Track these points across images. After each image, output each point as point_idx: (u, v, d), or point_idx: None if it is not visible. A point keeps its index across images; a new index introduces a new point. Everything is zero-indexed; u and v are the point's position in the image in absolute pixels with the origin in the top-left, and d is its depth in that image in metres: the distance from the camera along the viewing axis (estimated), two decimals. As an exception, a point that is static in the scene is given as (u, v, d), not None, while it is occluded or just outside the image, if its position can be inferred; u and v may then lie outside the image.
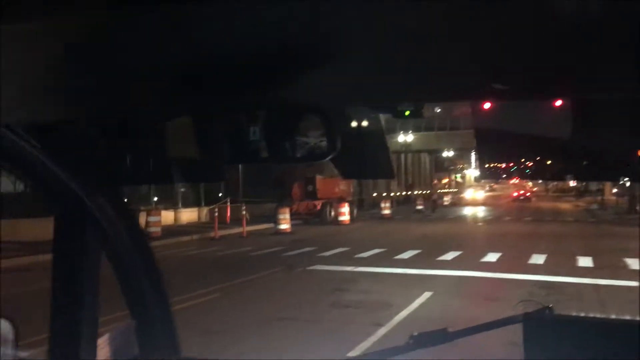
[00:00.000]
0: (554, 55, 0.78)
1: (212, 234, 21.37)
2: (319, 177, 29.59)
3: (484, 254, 15.04)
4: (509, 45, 0.76)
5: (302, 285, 11.01)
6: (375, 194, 44.18)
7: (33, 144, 1.20)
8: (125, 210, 1.47)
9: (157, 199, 26.64)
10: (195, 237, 21.33)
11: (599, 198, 43.57)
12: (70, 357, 1.36)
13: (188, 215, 27.62)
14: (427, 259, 14.52)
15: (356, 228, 25.64)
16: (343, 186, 31.05)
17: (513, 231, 22.28)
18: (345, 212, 27.93)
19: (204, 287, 9.98)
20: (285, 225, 22.86)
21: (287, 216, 23.18)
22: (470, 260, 14.15)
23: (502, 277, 11.52)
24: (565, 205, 46.30)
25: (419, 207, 39.20)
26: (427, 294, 9.68)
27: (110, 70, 0.86)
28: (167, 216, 25.07)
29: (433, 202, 41.35)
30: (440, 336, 1.46)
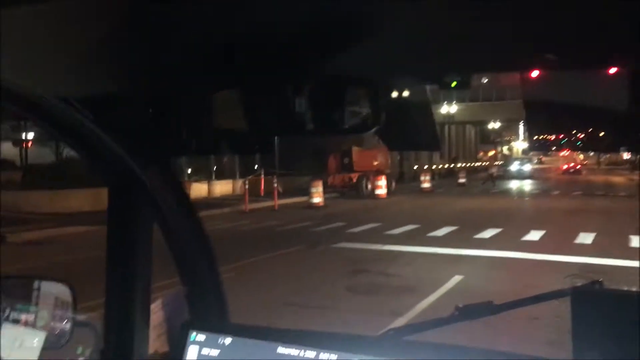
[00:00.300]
0: (606, 22, 0.75)
1: (242, 207, 20.79)
2: (355, 149, 28.61)
3: (526, 232, 13.91)
4: (559, 13, 0.74)
5: (321, 265, 10.22)
6: (416, 167, 42.84)
7: (89, 117, 1.23)
8: (175, 181, 1.49)
9: (191, 171, 26.26)
10: (225, 210, 20.82)
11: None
12: (124, 321, 1.42)
13: (222, 187, 27.17)
14: (462, 236, 13.50)
15: (393, 202, 24.66)
16: (381, 158, 29.97)
17: (560, 206, 20.90)
18: (382, 186, 26.93)
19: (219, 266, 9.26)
20: (317, 199, 22.06)
21: (320, 189, 22.36)
22: (510, 238, 13.07)
23: (544, 258, 10.43)
24: (617, 179, 43.95)
25: (462, 181, 37.80)
26: (457, 278, 8.75)
27: (161, 45, 0.89)
28: (199, 189, 24.67)
29: (490, 176, 39.08)
30: (485, 308, 1.44)
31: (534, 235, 13.52)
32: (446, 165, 53.12)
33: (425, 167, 44.98)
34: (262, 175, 26.08)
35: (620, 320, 1.33)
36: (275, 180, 23.10)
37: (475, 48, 0.89)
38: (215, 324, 1.45)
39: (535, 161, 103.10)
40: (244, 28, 0.82)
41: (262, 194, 24.78)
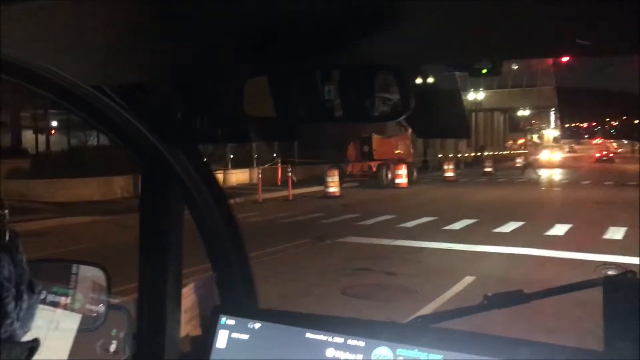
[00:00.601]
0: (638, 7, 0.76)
1: (256, 197, 20.15)
2: (375, 137, 27.70)
3: (550, 226, 12.94)
4: None
5: (322, 262, 9.44)
6: (440, 155, 41.71)
7: (122, 105, 1.26)
8: (205, 167, 1.50)
9: (206, 160, 25.61)
10: (239, 200, 20.13)
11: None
12: (157, 305, 1.45)
13: (238, 176, 26.42)
14: (481, 230, 12.60)
15: (413, 192, 23.74)
16: (402, 146, 29.02)
17: (589, 197, 19.74)
18: (402, 175, 25.99)
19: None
20: (333, 189, 21.26)
21: (336, 179, 21.54)
22: (532, 233, 12.13)
23: (568, 256, 9.49)
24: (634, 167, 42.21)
25: (488, 170, 36.55)
26: (467, 279, 7.90)
27: (190, 32, 0.90)
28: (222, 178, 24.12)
29: (528, 164, 36.46)
30: (515, 297, 1.39)
31: (559, 230, 12.54)
32: (472, 154, 51.82)
33: (450, 155, 43.89)
34: (279, 164, 25.39)
35: None
36: (289, 169, 22.35)
37: (507, 34, 0.89)
38: (245, 309, 1.47)
39: (567, 149, 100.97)
40: (274, 14, 0.82)
41: (279, 183, 24.11)
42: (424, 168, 38.79)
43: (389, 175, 26.35)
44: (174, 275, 1.47)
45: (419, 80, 1.13)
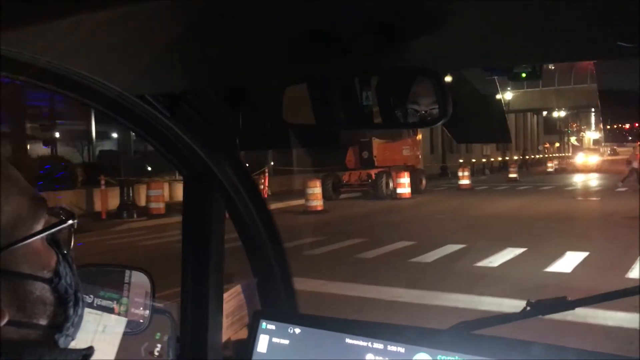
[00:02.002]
0: None
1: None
2: (376, 141, 24.59)
3: (559, 255, 9.69)
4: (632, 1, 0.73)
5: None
6: (461, 161, 38.21)
7: (164, 113, 1.28)
8: (246, 174, 1.51)
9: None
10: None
11: None
12: (199, 309, 1.47)
13: None
14: (460, 263, 9.43)
15: (413, 204, 20.52)
16: (409, 151, 25.76)
17: (620, 209, 16.23)
18: (404, 184, 22.74)
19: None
20: (315, 202, 18.24)
21: (317, 190, 18.53)
22: (530, 267, 8.92)
23: (569, 319, 6.26)
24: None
25: (512, 175, 32.98)
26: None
27: (230, 41, 0.92)
28: (179, 189, 21.31)
29: (632, 171, 25.86)
30: (559, 304, 1.38)
31: (568, 262, 9.27)
32: (500, 158, 48.06)
33: (474, 160, 40.37)
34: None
35: None
36: (263, 180, 19.39)
37: (548, 37, 0.88)
38: (285, 314, 1.49)
39: (609, 152, 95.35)
40: (311, 23, 0.82)
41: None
42: (444, 175, 35.41)
43: (390, 185, 23.16)
44: (216, 280, 1.47)
45: (468, 87, 0.81)
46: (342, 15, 0.80)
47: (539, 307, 1.37)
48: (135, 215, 16.94)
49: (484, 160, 42.67)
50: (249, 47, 0.96)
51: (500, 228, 13.30)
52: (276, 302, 1.56)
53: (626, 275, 8.18)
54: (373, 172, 23.68)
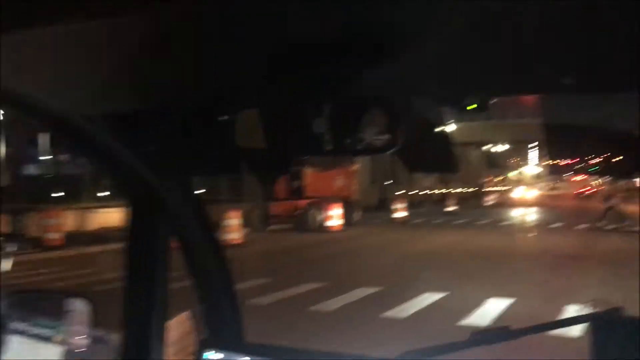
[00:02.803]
0: (624, 47, 0.77)
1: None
2: (307, 170, 23.32)
3: (480, 301, 8.50)
4: (576, 37, 0.75)
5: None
6: (399, 193, 37.39)
7: (111, 134, 1.26)
8: (194, 199, 1.49)
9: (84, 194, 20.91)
10: (114, 246, 15.71)
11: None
12: (141, 338, 1.43)
13: (116, 216, 21.04)
14: (366, 312, 8.11)
15: (342, 238, 19.27)
16: (342, 182, 24.65)
17: (553, 248, 15.40)
18: (335, 216, 21.53)
19: None
20: (232, 235, 16.65)
21: (236, 222, 17.02)
22: (444, 317, 7.66)
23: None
24: (634, 208, 38.01)
25: (451, 209, 32.29)
26: None
27: (183, 64, 0.92)
28: (88, 218, 19.38)
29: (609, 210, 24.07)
30: (502, 334, 1.43)
31: (489, 312, 8.07)
32: (442, 191, 47.72)
33: (414, 192, 39.72)
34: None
35: (639, 347, 1.34)
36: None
37: (495, 71, 0.91)
38: (232, 343, 1.48)
39: (548, 186, 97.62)
40: (267, 47, 0.83)
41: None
42: (382, 206, 34.40)
43: (321, 217, 21.86)
44: (160, 307, 1.45)
45: (413, 116, 1.14)
46: (296, 42, 0.80)
47: (483, 336, 1.42)
48: (26, 247, 15.02)
49: (424, 192, 42.07)
50: (202, 70, 0.95)
51: (425, 267, 12.10)
52: (223, 330, 1.52)
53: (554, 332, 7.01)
54: (303, 203, 22.36)
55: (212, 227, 1.52)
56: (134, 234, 1.44)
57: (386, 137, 1.04)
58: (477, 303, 8.46)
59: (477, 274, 11.24)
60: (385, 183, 39.77)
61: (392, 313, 8.03)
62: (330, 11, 0.71)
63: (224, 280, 1.53)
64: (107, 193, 22.24)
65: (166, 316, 1.46)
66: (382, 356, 1.26)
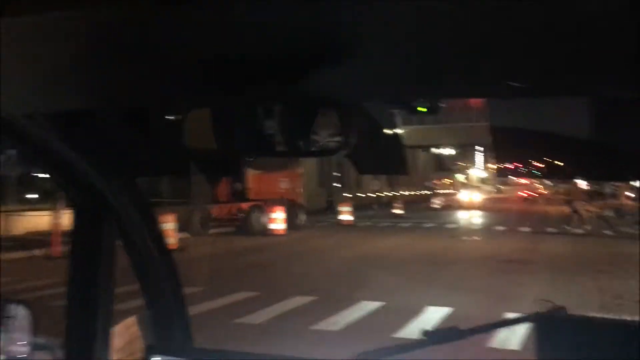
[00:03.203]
0: (572, 52, 0.78)
1: (52, 250, 14.52)
2: (251, 172, 22.59)
3: (418, 310, 8.09)
4: (524, 42, 0.76)
5: None
6: (350, 195, 37.05)
7: (55, 134, 1.21)
8: (142, 201, 1.45)
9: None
10: (37, 252, 14.76)
11: (615, 202, 35.89)
12: (85, 345, 1.39)
13: (38, 221, 18.01)
14: (297, 323, 7.57)
15: (284, 242, 18.71)
16: (287, 184, 24.08)
17: (497, 251, 15.25)
18: (278, 219, 20.93)
19: None
20: (167, 240, 15.80)
21: (170, 226, 16.17)
22: (378, 329, 7.22)
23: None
24: (593, 210, 38.85)
25: (397, 212, 32.14)
26: None
27: (131, 61, 0.89)
28: (13, 223, 18.12)
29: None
30: (453, 333, 1.47)
31: (425, 323, 7.65)
32: (391, 193, 47.76)
33: (362, 195, 39.51)
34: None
35: (583, 346, 1.38)
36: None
37: (445, 74, 0.91)
38: (179, 348, 1.45)
39: (494, 190, 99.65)
40: (216, 48, 0.82)
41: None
42: (329, 209, 33.94)
43: (263, 220, 21.22)
44: (104, 312, 1.40)
45: (369, 119, 1.15)
46: (249, 43, 0.79)
47: (434, 336, 1.45)
48: None
49: (373, 195, 41.92)
50: (151, 68, 0.91)
51: (365, 273, 11.66)
52: (171, 335, 1.48)
53: (487, 345, 6.63)
54: (245, 205, 21.66)
55: (159, 230, 1.47)
56: (78, 237, 1.41)
57: (337, 138, 1.03)
58: (415, 312, 8.05)
59: (418, 280, 10.87)
60: (334, 186, 39.48)
61: (324, 325, 7.51)
62: (280, 12, 0.70)
63: (172, 284, 1.49)
64: (36, 196, 20.96)
65: (111, 321, 1.41)
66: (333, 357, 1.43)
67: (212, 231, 21.02)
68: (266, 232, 20.62)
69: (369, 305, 8.54)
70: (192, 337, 1.53)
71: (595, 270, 11.94)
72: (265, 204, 21.52)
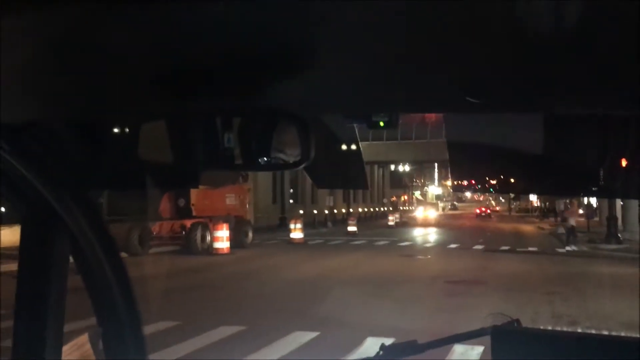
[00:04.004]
0: (528, 70, 0.79)
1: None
2: (195, 189, 21.46)
3: (357, 343, 7.20)
4: (482, 58, 0.77)
5: None
6: (302, 212, 36.13)
7: (1, 145, 1.17)
8: (94, 215, 1.41)
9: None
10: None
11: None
12: None
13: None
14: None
15: (227, 262, 17.61)
16: (234, 200, 23.00)
17: (447, 271, 14.59)
18: (222, 237, 19.80)
19: None
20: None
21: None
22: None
23: None
24: (527, 228, 38.99)
25: (351, 229, 31.38)
26: None
27: (84, 71, 0.87)
28: None
29: (571, 230, 23.70)
30: (410, 347, 1.50)
31: (367, 352, 6.76)
32: (345, 210, 47.05)
33: (315, 212, 38.68)
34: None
35: (536, 357, 1.46)
36: None
37: (403, 88, 0.91)
38: None
39: (449, 206, 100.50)
40: (173, 58, 0.81)
41: None
42: (282, 226, 32.94)
43: (207, 238, 20.07)
44: (55, 330, 1.35)
45: (329, 133, 1.04)
46: (205, 53, 0.78)
47: (392, 350, 1.50)
48: None
49: (326, 211, 41.09)
50: (104, 78, 0.88)
51: (303, 297, 10.73)
52: (125, 352, 1.45)
53: (446, 358, 5.81)
54: (189, 222, 20.48)
55: (113, 245, 1.45)
56: (27, 252, 1.36)
57: (296, 152, 1.02)
58: (352, 344, 7.16)
59: (360, 305, 9.99)
60: (288, 202, 38.53)
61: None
62: (239, 23, 0.70)
63: (126, 301, 1.46)
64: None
65: (61, 341, 1.36)
66: None
67: (153, 250, 19.75)
68: (210, 251, 19.48)
69: (303, 337, 7.60)
70: (147, 355, 1.49)
71: (548, 292, 11.32)
72: (210, 221, 20.39)
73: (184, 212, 21.22)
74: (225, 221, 20.33)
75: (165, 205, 21.65)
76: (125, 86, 0.93)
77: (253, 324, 8.29)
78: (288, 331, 7.82)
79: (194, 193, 21.42)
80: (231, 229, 20.52)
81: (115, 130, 1.20)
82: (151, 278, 13.75)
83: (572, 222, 23.27)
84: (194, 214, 21.31)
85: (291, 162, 1.04)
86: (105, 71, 0.85)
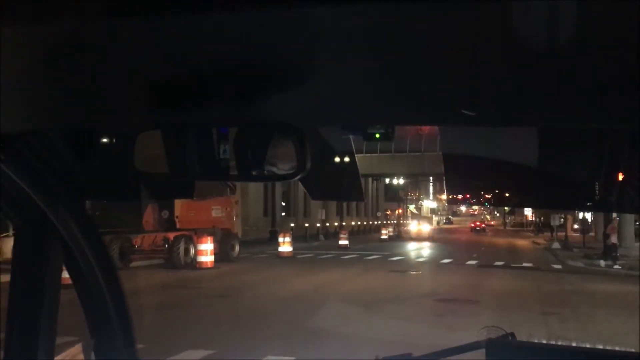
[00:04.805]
0: (524, 84, 0.79)
1: None
2: (179, 200, 20.76)
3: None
4: (479, 72, 0.77)
5: None
6: (292, 225, 35.44)
7: None
8: (88, 224, 1.42)
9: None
10: None
11: (562, 234, 35.46)
12: None
13: None
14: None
15: (210, 277, 16.88)
16: (220, 212, 22.26)
17: (439, 289, 13.90)
18: (206, 251, 19.07)
19: None
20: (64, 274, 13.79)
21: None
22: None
23: None
24: (522, 242, 38.40)
25: (343, 243, 30.74)
26: None
27: (80, 81, 0.87)
28: None
29: (612, 247, 22.31)
30: None
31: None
32: (337, 223, 46.37)
33: (307, 225, 38.01)
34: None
35: None
36: None
37: (399, 101, 0.91)
38: None
39: (444, 221, 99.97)
40: (169, 70, 0.80)
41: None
42: (272, 239, 32.20)
43: (191, 252, 19.34)
44: (47, 341, 1.34)
45: (325, 145, 1.05)
46: (201, 65, 0.78)
47: None
48: None
49: (319, 225, 40.39)
50: (101, 88, 0.89)
51: (281, 317, 10.02)
52: None
53: None
54: (172, 235, 19.76)
55: (106, 255, 1.45)
56: (21, 262, 1.36)
57: (292, 163, 1.02)
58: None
59: (341, 325, 9.29)
60: (280, 215, 37.85)
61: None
62: (236, 35, 0.70)
63: (119, 311, 1.45)
64: None
65: (53, 351, 1.35)
66: None
67: (134, 264, 19.02)
68: (194, 265, 18.75)
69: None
70: None
71: (543, 312, 10.66)
72: (195, 234, 19.68)
73: (168, 224, 20.52)
74: (210, 234, 19.62)
75: (148, 217, 20.99)
76: (121, 97, 0.93)
77: (222, 348, 7.59)
78: (260, 355, 7.13)
79: (178, 205, 20.77)
80: (216, 242, 19.82)
81: (111, 140, 1.19)
82: (132, 293, 13.01)
83: (614, 239, 22.45)
84: (177, 226, 20.62)
85: (287, 173, 1.03)
86: (100, 82, 0.86)
